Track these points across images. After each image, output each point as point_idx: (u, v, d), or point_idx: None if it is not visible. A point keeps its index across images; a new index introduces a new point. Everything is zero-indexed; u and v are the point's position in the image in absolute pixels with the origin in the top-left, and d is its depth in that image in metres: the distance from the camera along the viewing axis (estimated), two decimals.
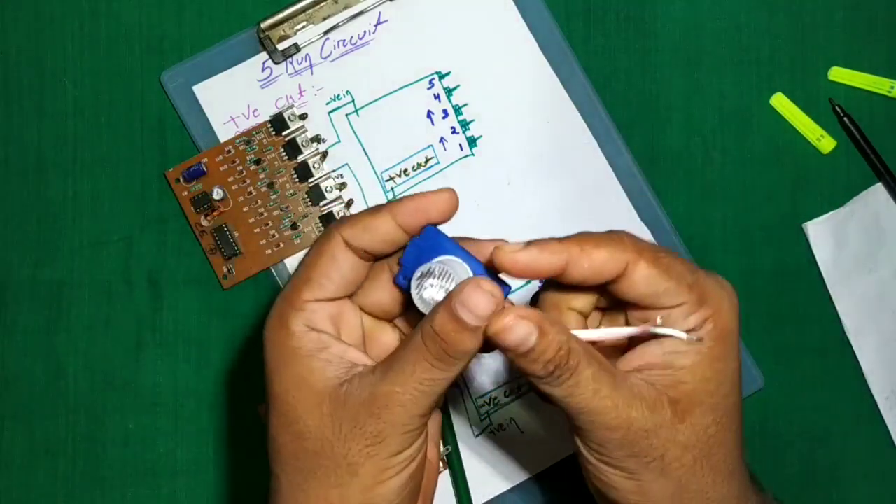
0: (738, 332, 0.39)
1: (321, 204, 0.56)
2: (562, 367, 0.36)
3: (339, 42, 0.57)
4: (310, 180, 0.56)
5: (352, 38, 0.57)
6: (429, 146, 0.57)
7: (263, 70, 0.56)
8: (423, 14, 0.57)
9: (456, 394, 0.56)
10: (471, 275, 0.38)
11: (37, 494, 0.57)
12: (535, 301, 0.42)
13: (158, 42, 0.57)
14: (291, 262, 0.56)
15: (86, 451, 0.57)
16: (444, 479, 0.56)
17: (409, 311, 0.42)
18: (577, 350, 0.37)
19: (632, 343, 0.40)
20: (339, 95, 0.57)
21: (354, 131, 0.57)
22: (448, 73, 0.57)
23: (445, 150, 0.57)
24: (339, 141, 0.57)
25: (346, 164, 0.57)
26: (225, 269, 0.56)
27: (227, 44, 0.56)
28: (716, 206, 0.58)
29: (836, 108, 0.57)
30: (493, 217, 0.57)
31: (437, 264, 0.38)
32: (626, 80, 0.58)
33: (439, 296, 0.38)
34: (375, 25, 0.57)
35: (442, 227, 0.40)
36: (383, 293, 0.41)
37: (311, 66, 0.57)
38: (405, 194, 0.56)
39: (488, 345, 0.37)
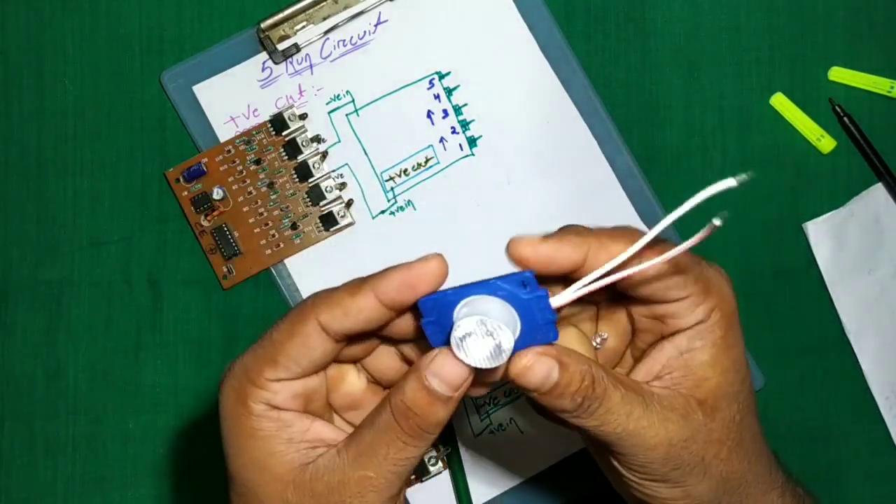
0: (739, 321, 0.39)
1: (321, 204, 0.56)
2: (590, 398, 0.35)
3: (339, 42, 0.57)
4: (310, 180, 0.56)
5: (352, 38, 0.57)
6: (429, 146, 0.57)
7: (263, 70, 0.56)
8: (423, 14, 0.57)
9: None
10: (516, 332, 0.34)
11: (37, 494, 0.57)
12: None
13: (158, 42, 0.57)
14: (291, 262, 0.56)
15: (86, 451, 0.57)
16: (445, 479, 0.56)
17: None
18: (602, 376, 0.36)
19: (637, 347, 0.40)
20: (339, 95, 0.57)
21: (354, 131, 0.57)
22: (448, 73, 0.57)
23: (445, 150, 0.57)
24: (339, 141, 0.57)
25: (346, 164, 0.57)
26: (225, 269, 0.56)
27: (227, 44, 0.56)
28: (716, 207, 0.58)
29: (836, 108, 0.57)
30: (493, 217, 0.57)
31: (474, 324, 0.33)
32: (626, 80, 0.58)
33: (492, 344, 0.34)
34: (375, 25, 0.57)
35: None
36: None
37: (311, 66, 0.57)
38: (404, 195, 0.57)
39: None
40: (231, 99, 0.56)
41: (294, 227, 0.56)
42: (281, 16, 0.55)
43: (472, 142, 0.57)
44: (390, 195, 0.57)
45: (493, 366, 0.34)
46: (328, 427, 0.38)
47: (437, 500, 0.56)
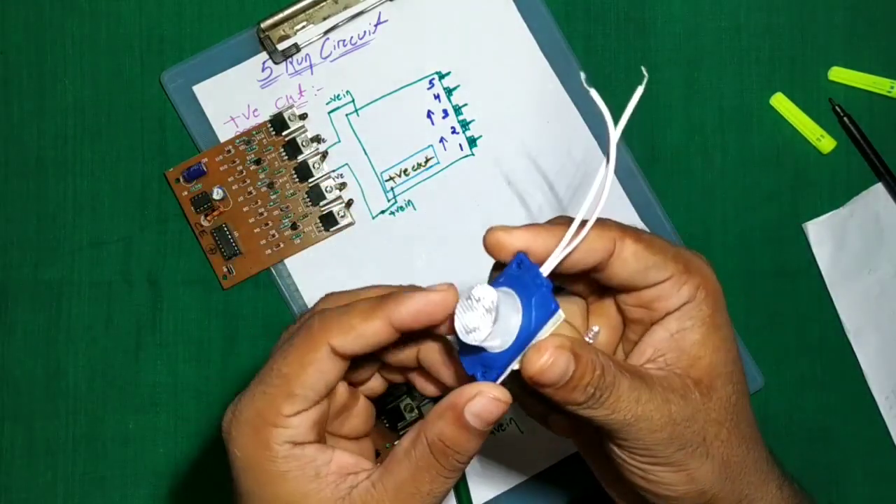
0: (725, 302, 0.39)
1: (321, 204, 0.56)
2: (601, 388, 0.35)
3: (339, 42, 0.57)
4: (310, 180, 0.56)
5: (352, 38, 0.57)
6: (429, 146, 0.57)
7: (263, 70, 0.56)
8: (423, 14, 0.57)
9: None
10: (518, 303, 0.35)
11: (37, 494, 0.57)
12: None
13: (158, 42, 0.57)
14: (291, 262, 0.56)
15: (86, 451, 0.57)
16: None
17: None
18: (609, 365, 0.36)
19: (628, 340, 0.40)
20: (339, 95, 0.57)
21: (354, 131, 0.57)
22: (448, 73, 0.57)
23: (445, 150, 0.57)
24: (339, 141, 0.57)
25: (346, 164, 0.57)
26: (225, 269, 0.56)
27: (227, 44, 0.56)
28: (716, 206, 0.58)
29: (836, 108, 0.57)
30: (493, 217, 0.57)
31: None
32: (626, 80, 0.58)
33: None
34: (375, 25, 0.57)
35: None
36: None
37: (311, 66, 0.57)
38: (404, 195, 0.57)
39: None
40: (231, 99, 0.56)
41: (294, 227, 0.56)
42: (281, 16, 0.55)
43: (472, 142, 0.57)
44: (390, 195, 0.57)
45: (491, 322, 0.34)
46: (346, 454, 0.37)
47: None
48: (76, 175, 0.57)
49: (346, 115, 0.57)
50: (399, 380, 0.42)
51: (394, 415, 0.55)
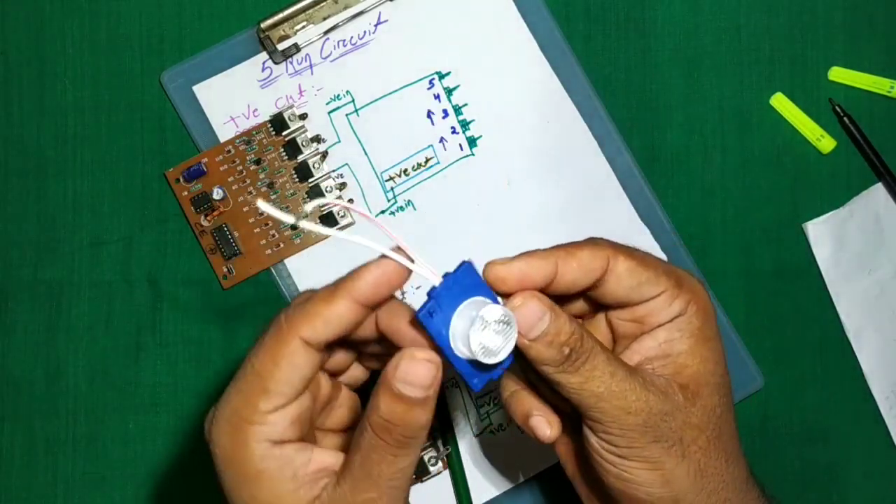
0: (716, 318, 0.39)
1: (321, 204, 0.56)
2: (577, 350, 0.36)
3: (339, 42, 0.57)
4: (310, 180, 0.56)
5: (352, 38, 0.57)
6: (429, 146, 0.57)
7: (263, 70, 0.56)
8: (423, 14, 0.57)
9: (456, 393, 0.56)
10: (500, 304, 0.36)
11: (37, 494, 0.57)
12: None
13: (158, 42, 0.57)
14: (291, 262, 0.56)
15: (86, 451, 0.57)
16: (445, 479, 0.56)
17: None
18: (589, 337, 0.37)
19: (620, 341, 0.40)
20: (339, 95, 0.57)
21: (354, 131, 0.57)
22: (448, 73, 0.57)
23: (445, 150, 0.57)
24: (339, 141, 0.57)
25: (346, 164, 0.57)
26: (225, 269, 0.56)
27: (227, 44, 0.56)
28: (716, 206, 0.58)
29: (836, 108, 0.57)
30: (493, 217, 0.57)
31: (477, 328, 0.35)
32: (626, 80, 0.58)
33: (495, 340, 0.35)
34: (375, 25, 0.57)
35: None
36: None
37: (311, 66, 0.57)
38: (404, 195, 0.57)
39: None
40: (231, 99, 0.56)
41: (294, 227, 0.56)
42: (281, 16, 0.55)
43: (472, 142, 0.57)
44: (390, 195, 0.57)
45: (514, 340, 0.35)
46: (327, 453, 0.37)
47: (437, 500, 0.56)
48: (76, 175, 0.57)
49: (346, 115, 0.57)
50: (378, 366, 0.42)
51: None
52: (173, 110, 0.57)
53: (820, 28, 0.58)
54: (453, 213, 0.57)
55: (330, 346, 0.37)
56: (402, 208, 0.57)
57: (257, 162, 0.56)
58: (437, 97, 0.57)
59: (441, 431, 0.55)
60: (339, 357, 0.40)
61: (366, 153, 0.57)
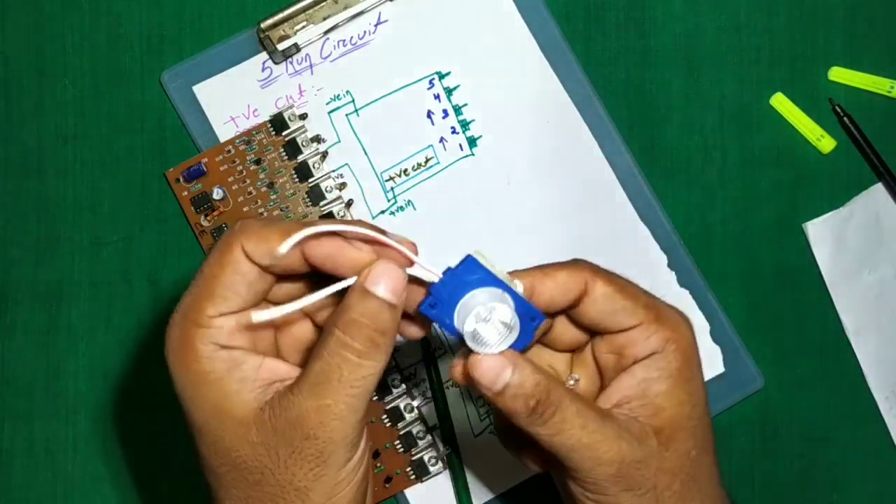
0: (699, 358, 0.39)
1: (321, 204, 0.56)
2: (544, 403, 0.36)
3: (339, 42, 0.57)
4: (310, 180, 0.56)
5: (352, 38, 0.57)
6: (429, 146, 0.57)
7: (263, 70, 0.56)
8: (423, 14, 0.57)
9: (456, 394, 0.56)
10: (510, 302, 0.36)
11: (37, 494, 0.57)
12: None
13: (158, 42, 0.57)
14: None
15: (86, 451, 0.57)
16: (444, 479, 0.56)
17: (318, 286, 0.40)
18: (558, 387, 0.37)
19: (605, 374, 0.40)
20: (339, 95, 0.57)
21: (354, 131, 0.57)
22: (448, 73, 0.57)
23: (445, 150, 0.57)
24: (339, 141, 0.57)
25: (346, 164, 0.57)
26: None
27: (227, 44, 0.56)
28: (716, 206, 0.58)
29: (836, 108, 0.57)
30: (493, 217, 0.57)
31: (473, 319, 0.36)
32: (626, 80, 0.58)
33: (491, 333, 0.36)
34: (375, 25, 0.57)
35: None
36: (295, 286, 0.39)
37: (311, 66, 0.57)
38: (404, 195, 0.57)
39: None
40: (231, 99, 0.56)
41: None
42: (281, 16, 0.56)
43: (472, 142, 0.57)
44: (390, 195, 0.57)
45: (512, 341, 0.36)
46: (281, 363, 0.37)
47: (437, 500, 0.56)
48: (76, 175, 0.57)
49: (346, 115, 0.57)
50: None
51: (394, 415, 0.55)
52: (173, 110, 0.57)
53: (820, 28, 0.58)
54: (453, 213, 0.57)
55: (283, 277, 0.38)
56: (402, 208, 0.57)
57: (257, 162, 0.56)
58: (437, 97, 0.57)
59: (441, 431, 0.55)
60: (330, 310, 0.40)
61: (366, 153, 0.57)
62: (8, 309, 0.57)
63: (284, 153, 0.56)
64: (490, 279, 0.36)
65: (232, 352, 0.36)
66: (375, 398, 0.55)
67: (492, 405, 0.37)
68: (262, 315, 0.36)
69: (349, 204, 0.56)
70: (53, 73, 0.57)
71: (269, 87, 0.56)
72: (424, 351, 0.56)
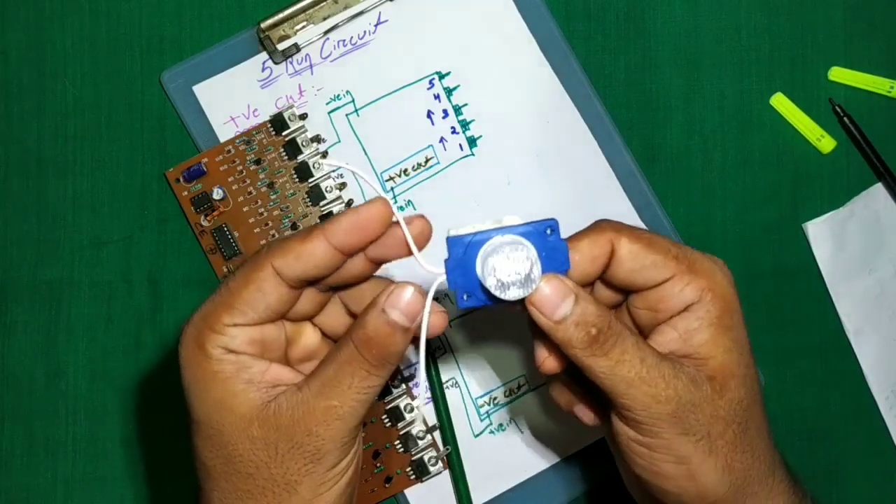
0: (739, 306, 0.39)
1: (321, 204, 0.56)
2: (605, 332, 0.36)
3: (339, 42, 0.57)
4: (310, 180, 0.56)
5: (352, 38, 0.57)
6: (429, 146, 0.57)
7: (263, 70, 0.56)
8: (423, 14, 0.57)
9: (456, 394, 0.56)
10: (529, 246, 0.36)
11: (37, 494, 0.57)
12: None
13: (158, 42, 0.57)
14: None
15: (86, 451, 0.57)
16: (444, 479, 0.56)
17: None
18: (616, 321, 0.36)
19: (642, 332, 0.40)
20: (339, 95, 0.57)
21: (354, 131, 0.57)
22: (448, 73, 0.57)
23: (445, 150, 0.57)
24: (339, 141, 0.57)
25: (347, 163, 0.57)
26: (225, 269, 0.56)
27: (227, 44, 0.56)
28: (716, 206, 0.58)
29: (836, 108, 0.57)
30: (493, 217, 0.56)
31: (504, 256, 0.36)
32: (626, 80, 0.58)
33: (524, 267, 0.36)
34: (375, 25, 0.57)
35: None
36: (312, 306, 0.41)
37: (311, 66, 0.57)
38: (404, 195, 0.57)
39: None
40: (231, 99, 0.56)
41: (294, 227, 0.56)
42: (281, 16, 0.56)
43: (472, 142, 0.57)
44: (390, 195, 0.57)
45: (522, 295, 0.36)
46: (286, 369, 0.39)
47: (437, 500, 0.56)
48: (76, 175, 0.57)
49: (346, 115, 0.57)
50: None
51: (394, 414, 0.55)
52: (173, 110, 0.57)
53: (820, 28, 0.58)
54: (453, 213, 0.57)
55: (310, 285, 0.39)
56: (402, 208, 0.57)
57: (257, 162, 0.56)
58: (437, 97, 0.57)
59: (441, 431, 0.55)
60: (337, 318, 0.42)
61: (366, 153, 0.57)
62: (8, 309, 0.57)
63: (284, 153, 0.56)
64: (481, 235, 0.37)
65: (241, 356, 0.38)
66: (375, 398, 0.54)
67: (547, 340, 0.37)
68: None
69: (349, 204, 0.56)
70: (53, 73, 0.57)
71: (269, 87, 0.56)
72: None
